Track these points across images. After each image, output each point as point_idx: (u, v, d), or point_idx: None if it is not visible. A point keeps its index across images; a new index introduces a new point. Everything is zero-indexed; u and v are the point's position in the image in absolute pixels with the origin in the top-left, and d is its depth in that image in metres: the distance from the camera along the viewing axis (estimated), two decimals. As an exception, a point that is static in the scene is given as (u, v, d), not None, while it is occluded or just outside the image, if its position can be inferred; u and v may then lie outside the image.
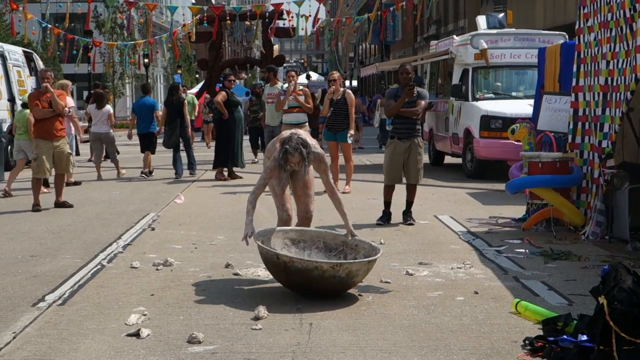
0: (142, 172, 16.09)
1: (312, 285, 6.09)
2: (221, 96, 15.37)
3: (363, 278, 6.36)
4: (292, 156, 6.62)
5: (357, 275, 6.17)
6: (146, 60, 35.14)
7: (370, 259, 6.33)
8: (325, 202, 7.68)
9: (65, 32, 23.64)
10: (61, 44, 23.65)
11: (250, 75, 72.13)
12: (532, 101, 11.91)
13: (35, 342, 5.21)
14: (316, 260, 6.20)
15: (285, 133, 6.94)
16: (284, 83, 15.23)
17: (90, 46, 25.47)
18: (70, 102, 14.42)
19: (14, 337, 5.31)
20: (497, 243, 8.60)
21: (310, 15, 23.74)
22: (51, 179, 11.66)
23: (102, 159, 16.82)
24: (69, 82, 16.02)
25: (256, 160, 19.35)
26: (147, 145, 16.11)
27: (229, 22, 24.82)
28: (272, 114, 14.46)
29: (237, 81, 41.59)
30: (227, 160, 15.37)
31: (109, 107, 16.31)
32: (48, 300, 6.28)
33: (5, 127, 17.55)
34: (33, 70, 20.24)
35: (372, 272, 6.54)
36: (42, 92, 11.43)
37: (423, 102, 9.91)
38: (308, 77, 52.29)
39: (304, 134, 7.00)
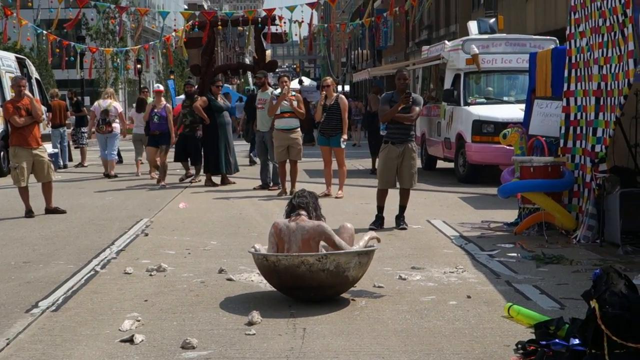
0: None
1: (304, 282, 6.07)
2: (201, 101, 15.39)
3: (358, 274, 6.26)
4: (298, 198, 6.52)
5: (348, 268, 6.08)
6: (139, 66, 35.13)
7: (359, 249, 6.28)
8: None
9: (60, 39, 23.60)
10: (57, 50, 23.63)
11: (242, 80, 72.06)
12: (523, 106, 11.97)
13: (28, 349, 5.21)
14: (300, 254, 6.13)
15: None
16: (275, 88, 15.24)
17: (84, 52, 25.43)
18: (118, 106, 18.14)
19: (8, 344, 5.31)
20: (490, 247, 8.63)
21: (302, 21, 23.74)
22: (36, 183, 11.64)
23: (141, 158, 18.40)
24: (112, 91, 18.76)
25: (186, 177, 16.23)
26: None
27: (220, 27, 24.79)
28: (263, 120, 14.43)
29: (230, 86, 41.56)
30: (213, 166, 15.38)
31: None
32: (41, 307, 6.27)
33: (-2, 134, 17.51)
34: (26, 76, 20.18)
35: (365, 276, 6.55)
36: (17, 100, 11.40)
37: (417, 108, 9.95)
38: (300, 82, 52.30)
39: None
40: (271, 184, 14.54)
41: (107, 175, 17.40)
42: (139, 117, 17.68)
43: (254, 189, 14.56)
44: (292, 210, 6.50)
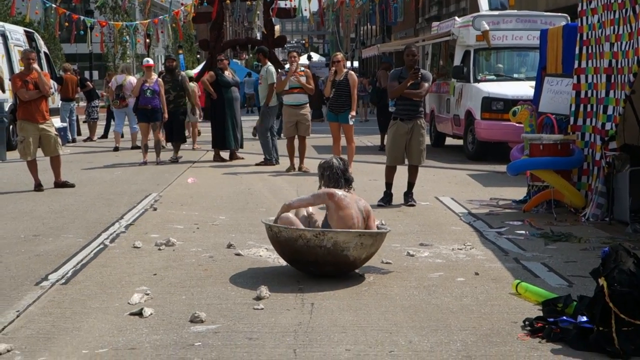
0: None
1: (302, 256, 6.11)
2: (208, 76, 15.51)
3: (361, 255, 6.19)
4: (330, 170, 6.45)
5: (347, 247, 6.03)
6: (148, 41, 35.12)
7: (361, 231, 6.24)
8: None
9: (70, 12, 23.56)
10: (66, 24, 23.62)
11: (251, 55, 71.86)
12: (533, 83, 11.91)
13: (38, 321, 5.25)
14: (299, 228, 6.16)
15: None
16: (284, 64, 15.28)
17: (94, 26, 25.40)
18: (133, 80, 18.00)
19: (18, 316, 5.35)
20: (498, 224, 8.63)
21: (311, -4, 23.63)
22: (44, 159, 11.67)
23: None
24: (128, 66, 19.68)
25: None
26: None
27: (228, 1, 24.71)
28: (262, 94, 14.78)
29: (238, 61, 41.43)
30: (221, 142, 15.41)
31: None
32: (51, 280, 6.32)
33: (7, 107, 17.53)
34: (34, 50, 20.17)
35: (374, 252, 6.57)
36: (26, 74, 11.41)
37: (427, 84, 9.91)
38: (309, 57, 52.20)
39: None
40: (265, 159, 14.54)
41: (134, 147, 17.96)
42: None
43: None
44: (345, 183, 6.48)
